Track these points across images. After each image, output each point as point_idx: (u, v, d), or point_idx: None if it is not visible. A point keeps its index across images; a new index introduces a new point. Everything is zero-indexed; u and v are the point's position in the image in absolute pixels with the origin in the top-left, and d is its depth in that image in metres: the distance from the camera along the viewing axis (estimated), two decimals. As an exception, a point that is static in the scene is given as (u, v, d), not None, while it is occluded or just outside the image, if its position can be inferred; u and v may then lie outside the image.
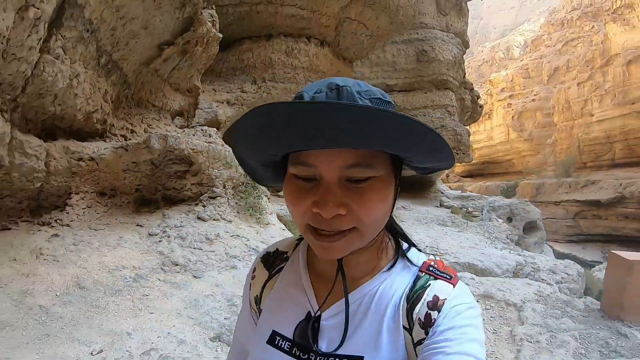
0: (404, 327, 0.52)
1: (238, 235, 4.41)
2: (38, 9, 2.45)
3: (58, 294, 2.55)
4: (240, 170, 5.21)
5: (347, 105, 0.41)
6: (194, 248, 3.76)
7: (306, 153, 0.47)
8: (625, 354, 3.00)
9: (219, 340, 2.51)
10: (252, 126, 0.45)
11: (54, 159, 3.38)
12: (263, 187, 5.61)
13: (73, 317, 2.36)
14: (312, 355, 0.53)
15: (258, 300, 0.64)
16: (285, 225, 5.66)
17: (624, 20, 27.27)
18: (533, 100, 38.13)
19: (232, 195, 5.02)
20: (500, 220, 11.36)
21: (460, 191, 17.84)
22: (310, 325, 0.55)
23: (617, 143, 26.19)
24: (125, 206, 4.05)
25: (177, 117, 5.96)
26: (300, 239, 0.67)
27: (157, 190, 4.31)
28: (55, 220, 3.41)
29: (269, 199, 5.70)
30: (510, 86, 41.26)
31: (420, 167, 0.56)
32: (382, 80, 12.71)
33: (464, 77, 15.34)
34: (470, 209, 12.03)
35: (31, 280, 2.65)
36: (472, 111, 16.29)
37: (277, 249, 0.68)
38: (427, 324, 0.51)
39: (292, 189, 0.50)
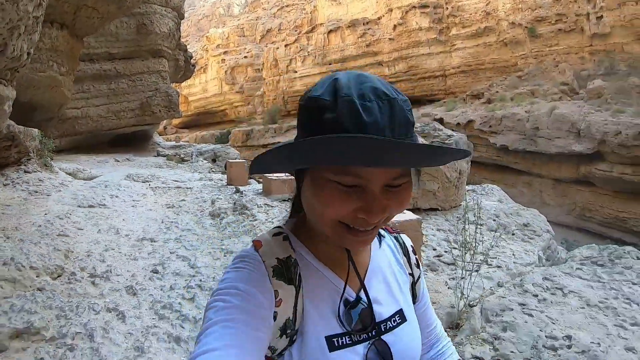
0: (409, 274, 0.81)
1: (50, 178, 9.07)
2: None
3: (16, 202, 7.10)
4: (38, 139, 9.51)
5: (420, 145, 0.51)
6: (37, 185, 8.31)
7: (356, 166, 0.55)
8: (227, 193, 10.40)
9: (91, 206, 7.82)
10: (314, 149, 0.54)
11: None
12: (48, 150, 10.10)
13: (25, 203, 7.14)
14: (371, 330, 0.66)
15: (291, 322, 0.62)
16: (64, 173, 10.43)
17: (332, -5, 34.87)
18: (245, 57, 46.53)
19: (37, 157, 9.36)
20: (205, 161, 16.01)
21: (174, 142, 22.32)
22: (361, 308, 0.67)
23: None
24: (-23, 170, 8.00)
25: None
26: (285, 238, 0.70)
27: (-8, 159, 8.31)
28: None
29: (52, 159, 10.24)
30: (226, 43, 48.56)
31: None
32: (105, 49, 15.84)
33: (179, 39, 19.21)
34: (182, 155, 15.78)
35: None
36: (185, 70, 20.87)
37: (276, 258, 0.65)
38: (417, 264, 0.84)
39: (332, 194, 0.57)
